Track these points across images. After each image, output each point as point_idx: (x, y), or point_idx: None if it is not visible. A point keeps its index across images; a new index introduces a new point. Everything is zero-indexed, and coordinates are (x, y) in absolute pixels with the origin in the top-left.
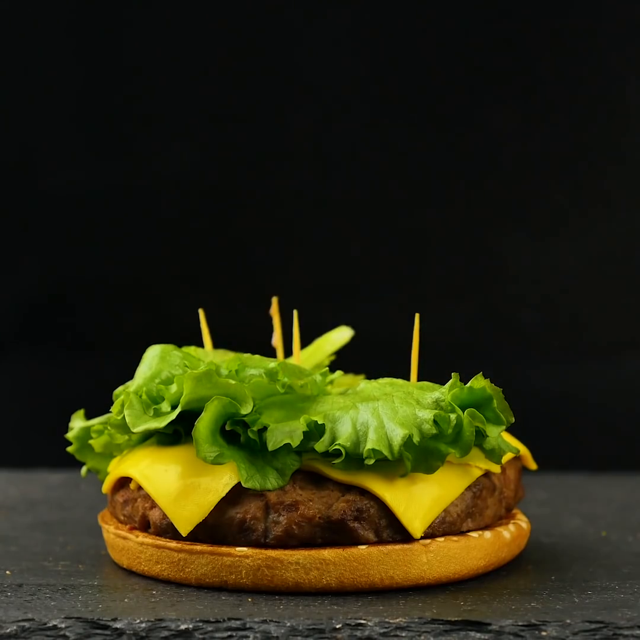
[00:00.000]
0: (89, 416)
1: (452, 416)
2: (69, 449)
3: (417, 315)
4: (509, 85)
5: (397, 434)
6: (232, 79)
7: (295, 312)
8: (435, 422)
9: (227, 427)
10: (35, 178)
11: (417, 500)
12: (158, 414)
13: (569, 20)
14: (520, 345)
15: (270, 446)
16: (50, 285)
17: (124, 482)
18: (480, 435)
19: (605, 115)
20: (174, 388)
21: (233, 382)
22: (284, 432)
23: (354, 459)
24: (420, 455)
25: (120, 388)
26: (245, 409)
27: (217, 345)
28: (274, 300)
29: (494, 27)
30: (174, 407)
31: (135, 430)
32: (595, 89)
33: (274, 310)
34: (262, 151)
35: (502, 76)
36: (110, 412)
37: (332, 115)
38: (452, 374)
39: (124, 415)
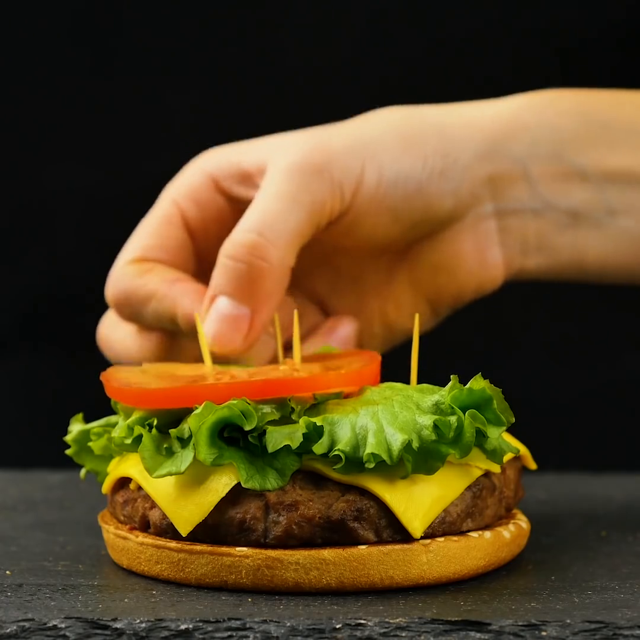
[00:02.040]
0: (88, 416)
1: (452, 419)
2: (68, 452)
3: (417, 316)
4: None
5: (397, 439)
6: (231, 80)
7: (295, 313)
8: (435, 426)
9: (225, 434)
10: (36, 178)
11: (417, 500)
12: (170, 452)
13: None
14: (520, 345)
15: (270, 448)
16: (50, 286)
17: (123, 483)
18: (481, 435)
19: None
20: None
21: (235, 401)
22: (284, 434)
23: (354, 462)
24: (421, 457)
25: None
26: (250, 425)
27: None
28: None
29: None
30: (184, 439)
31: (154, 476)
32: None
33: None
34: None
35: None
36: (113, 411)
37: (334, 118)
38: (451, 376)
39: (132, 439)
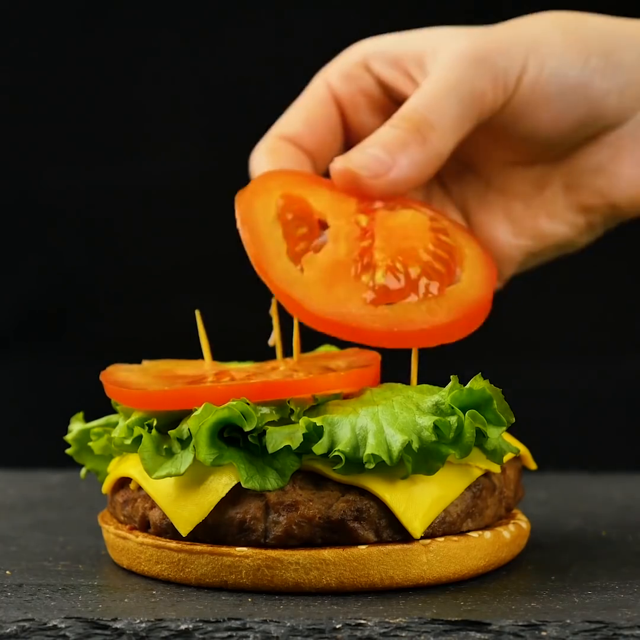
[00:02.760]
0: (88, 417)
1: (453, 419)
2: (68, 451)
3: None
4: None
5: (397, 440)
6: (233, 79)
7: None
8: (435, 426)
9: (225, 434)
10: (35, 179)
11: (417, 501)
12: (170, 453)
13: None
14: (520, 345)
15: (270, 448)
16: (50, 286)
17: (123, 483)
18: (481, 436)
19: None
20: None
21: (235, 402)
22: (284, 434)
23: (354, 463)
24: (421, 458)
25: None
26: (250, 426)
27: (215, 345)
28: (274, 301)
29: None
30: (183, 440)
31: (154, 477)
32: None
33: (274, 311)
34: None
35: None
36: (112, 413)
37: None
38: (451, 376)
39: (132, 440)
